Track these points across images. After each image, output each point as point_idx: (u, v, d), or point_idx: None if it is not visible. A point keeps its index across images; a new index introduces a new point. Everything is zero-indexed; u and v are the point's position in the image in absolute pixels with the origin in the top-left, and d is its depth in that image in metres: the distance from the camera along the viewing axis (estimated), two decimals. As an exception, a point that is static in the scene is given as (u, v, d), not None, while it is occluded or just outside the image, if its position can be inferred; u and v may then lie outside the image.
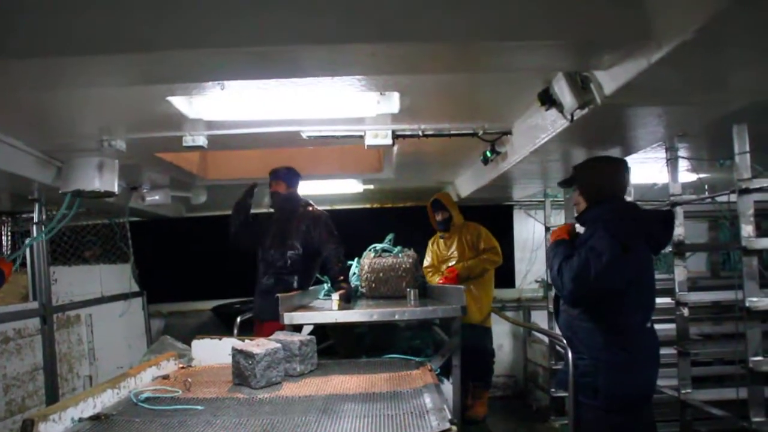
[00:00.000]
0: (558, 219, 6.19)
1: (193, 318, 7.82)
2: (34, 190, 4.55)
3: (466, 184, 5.70)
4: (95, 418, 2.44)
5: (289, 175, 5.07)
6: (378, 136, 3.45)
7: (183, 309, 7.90)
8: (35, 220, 4.97)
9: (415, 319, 4.08)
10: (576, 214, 3.50)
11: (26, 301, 4.88)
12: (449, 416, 2.32)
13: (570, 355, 3.37)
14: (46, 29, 2.04)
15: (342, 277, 4.80)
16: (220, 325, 7.36)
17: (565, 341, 3.43)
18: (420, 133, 3.50)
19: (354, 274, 5.43)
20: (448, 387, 3.70)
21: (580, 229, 3.42)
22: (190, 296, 7.89)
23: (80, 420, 2.40)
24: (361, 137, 3.51)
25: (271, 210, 5.25)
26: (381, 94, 2.94)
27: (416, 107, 3.17)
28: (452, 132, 3.54)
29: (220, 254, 5.71)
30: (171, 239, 7.63)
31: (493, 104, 3.34)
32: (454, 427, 2.22)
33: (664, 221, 3.39)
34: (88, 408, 2.50)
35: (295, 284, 4.84)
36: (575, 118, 2.71)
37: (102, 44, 2.05)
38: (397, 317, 3.84)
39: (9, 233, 6.28)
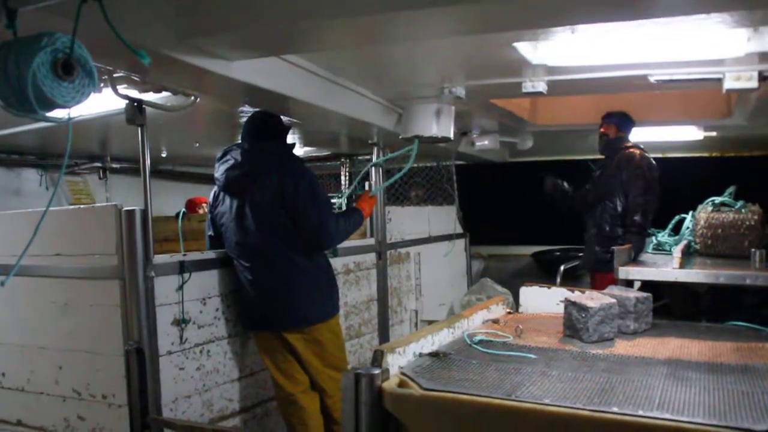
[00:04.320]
0: None
1: (511, 262, 7.95)
2: (374, 134, 4.88)
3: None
4: (434, 355, 2.54)
5: (622, 119, 4.83)
6: (741, 79, 3.07)
7: (502, 252, 8.05)
8: (373, 161, 5.34)
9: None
10: None
11: (365, 237, 5.30)
12: (823, 402, 2.01)
13: None
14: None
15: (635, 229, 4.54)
16: (538, 271, 7.38)
17: None
18: (796, 73, 3.06)
19: (687, 228, 5.05)
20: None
21: None
22: (510, 240, 8.00)
23: (421, 355, 2.51)
24: (719, 80, 3.16)
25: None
26: (754, 30, 2.59)
27: (795, 43, 2.74)
28: (838, 72, 3.03)
29: (541, 201, 5.66)
30: (494, 183, 7.77)
31: None
32: (833, 418, 1.91)
33: None
34: (428, 345, 2.61)
35: (619, 232, 4.64)
36: None
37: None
38: (748, 281, 3.47)
39: (347, 173, 6.87)
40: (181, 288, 3.47)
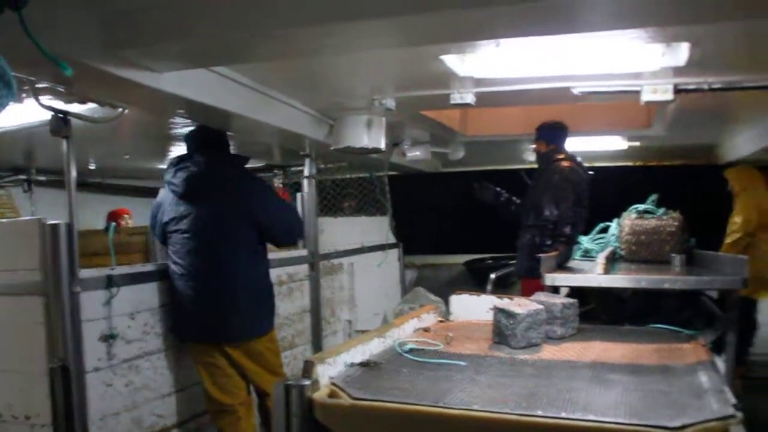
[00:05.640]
0: None
1: (444, 271, 8.02)
2: (306, 146, 4.87)
3: (748, 142, 5.16)
4: (365, 364, 2.54)
5: (548, 132, 4.90)
6: (657, 92, 3.20)
7: (435, 262, 8.12)
8: (306, 173, 5.34)
9: (686, 288, 3.80)
10: None
11: (297, 249, 5.28)
12: (732, 400, 2.10)
13: None
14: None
15: (564, 239, 4.65)
16: (470, 279, 7.47)
17: None
18: (706, 86, 3.19)
19: (612, 235, 5.20)
20: (719, 365, 3.41)
21: None
22: (443, 250, 8.08)
23: (351, 365, 2.52)
24: (637, 93, 3.28)
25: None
26: (667, 45, 2.70)
27: (706, 58, 2.85)
28: (746, 85, 3.17)
29: (473, 210, 5.75)
30: (426, 193, 7.83)
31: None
32: (740, 414, 2.00)
33: None
34: (358, 354, 2.62)
35: (548, 242, 4.72)
36: None
37: (366, 8, 2.07)
38: (667, 285, 3.60)
39: (281, 184, 6.84)
40: (108, 303, 3.40)
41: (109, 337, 3.39)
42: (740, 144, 5.45)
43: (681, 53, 2.73)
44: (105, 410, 3.36)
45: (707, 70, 3.09)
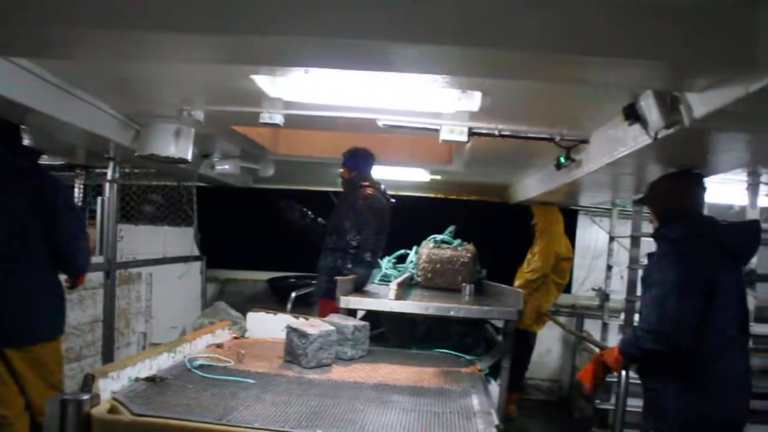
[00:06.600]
0: (624, 229, 6.01)
1: (247, 287, 7.95)
2: (110, 149, 4.68)
3: (534, 185, 5.63)
4: (151, 379, 2.50)
5: (352, 160, 5.01)
6: (454, 132, 3.43)
7: (239, 277, 8.04)
8: (108, 177, 5.14)
9: (469, 317, 4.06)
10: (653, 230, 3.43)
11: (93, 255, 5.03)
12: (496, 421, 2.30)
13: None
14: (126, 2, 2.08)
15: (363, 264, 4.78)
16: (272, 297, 7.46)
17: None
18: (496, 132, 3.47)
19: (411, 262, 5.43)
20: (494, 389, 3.69)
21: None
22: (247, 265, 8.01)
23: (137, 380, 2.47)
24: (437, 131, 3.50)
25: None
26: (462, 92, 2.93)
27: (496, 108, 3.13)
28: (529, 135, 3.50)
29: (280, 228, 5.77)
30: (235, 208, 7.74)
31: (573, 112, 3.29)
32: (500, 434, 2.20)
33: (747, 232, 3.27)
34: (145, 369, 2.57)
35: (348, 265, 4.82)
36: (659, 136, 2.64)
37: (182, 22, 2.07)
38: (452, 313, 3.84)
39: (82, 185, 6.49)
40: None
41: None
42: (527, 186, 5.93)
43: (474, 100, 2.97)
44: None
45: (497, 117, 3.38)
